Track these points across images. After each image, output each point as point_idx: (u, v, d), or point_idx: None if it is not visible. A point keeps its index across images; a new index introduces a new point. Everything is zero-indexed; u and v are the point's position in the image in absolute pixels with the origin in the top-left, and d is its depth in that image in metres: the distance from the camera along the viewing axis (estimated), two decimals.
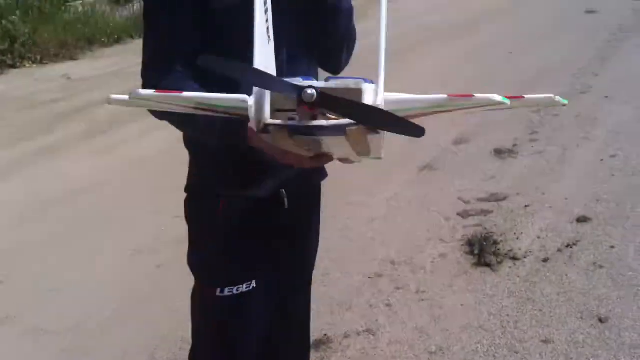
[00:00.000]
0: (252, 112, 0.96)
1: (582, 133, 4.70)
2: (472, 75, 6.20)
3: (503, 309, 2.77)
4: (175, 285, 3.10)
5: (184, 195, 1.70)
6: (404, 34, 7.56)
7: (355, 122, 0.93)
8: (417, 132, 0.88)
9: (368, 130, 0.96)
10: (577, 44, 7.43)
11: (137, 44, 8.61)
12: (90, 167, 4.57)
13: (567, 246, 3.21)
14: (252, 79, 0.93)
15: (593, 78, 6.08)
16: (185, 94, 1.05)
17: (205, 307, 1.71)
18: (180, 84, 1.44)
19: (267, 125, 0.97)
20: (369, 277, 3.06)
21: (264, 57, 1.02)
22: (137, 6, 9.36)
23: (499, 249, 3.19)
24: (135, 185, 4.23)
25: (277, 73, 1.06)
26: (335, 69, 1.70)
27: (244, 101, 1.00)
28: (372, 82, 0.98)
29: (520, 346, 2.54)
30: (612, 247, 3.18)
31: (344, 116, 0.92)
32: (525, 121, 4.97)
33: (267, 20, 1.02)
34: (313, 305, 1.95)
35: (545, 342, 2.55)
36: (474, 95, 0.98)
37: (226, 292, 1.65)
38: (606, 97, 5.50)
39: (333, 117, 0.95)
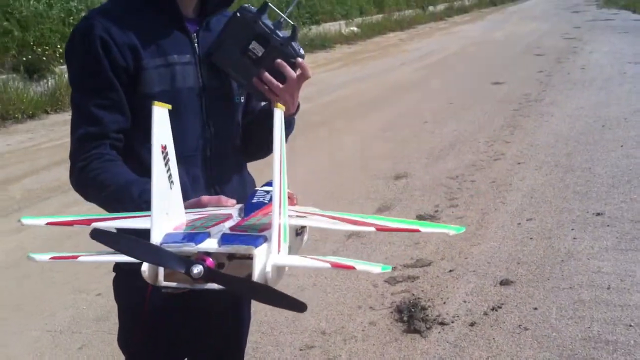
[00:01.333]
0: (145, 276, 0.98)
1: (499, 198, 4.88)
2: (392, 144, 6.37)
3: None
4: None
5: (105, 272, 1.65)
6: (319, 108, 7.74)
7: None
8: (300, 307, 0.91)
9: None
10: (487, 113, 7.79)
11: (52, 119, 8.47)
12: (6, 245, 4.38)
13: (492, 309, 3.28)
14: (139, 255, 0.94)
15: (505, 145, 6.37)
16: (81, 259, 1.08)
17: None
18: (108, 168, 1.43)
19: (162, 287, 1.00)
20: (300, 349, 3.01)
21: (164, 205, 1.04)
22: (51, 82, 9.23)
23: (427, 315, 3.22)
24: (54, 263, 4.06)
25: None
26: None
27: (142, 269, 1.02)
28: (265, 240, 1.00)
29: None
30: (535, 308, 3.26)
31: (229, 290, 0.96)
32: (444, 188, 5.13)
33: (168, 170, 1.06)
34: None
35: None
36: (355, 268, 1.04)
37: None
38: (519, 163, 5.76)
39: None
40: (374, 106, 8.28)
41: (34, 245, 4.30)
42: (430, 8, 23.65)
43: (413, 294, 3.45)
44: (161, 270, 0.99)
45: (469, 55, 13.35)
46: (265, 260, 0.98)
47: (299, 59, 1.51)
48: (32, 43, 9.28)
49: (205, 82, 1.54)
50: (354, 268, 1.03)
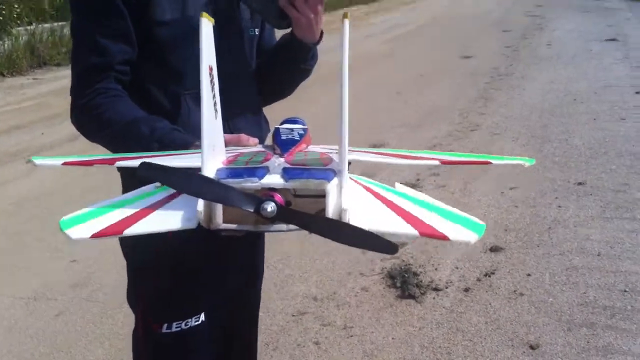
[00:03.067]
0: (200, 217, 0.84)
1: (479, 168, 4.82)
2: (364, 114, 6.25)
3: (434, 341, 2.69)
4: (76, 336, 2.81)
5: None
6: None
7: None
8: (391, 248, 0.79)
9: None
10: (459, 85, 7.74)
11: (9, 83, 8.11)
12: None
13: (485, 275, 3.21)
14: (198, 191, 0.81)
15: (480, 116, 6.32)
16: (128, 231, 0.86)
17: (153, 345, 1.51)
18: (113, 104, 1.29)
19: (220, 230, 0.87)
20: (293, 315, 2.90)
21: (212, 135, 0.90)
22: (7, 44, 8.82)
23: (420, 280, 3.14)
24: (24, 229, 3.86)
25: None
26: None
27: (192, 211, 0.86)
28: (334, 174, 0.86)
29: None
30: (529, 274, 3.21)
31: (306, 229, 0.83)
32: None
33: (214, 96, 0.91)
34: None
35: None
36: (491, 162, 0.92)
37: (174, 328, 1.47)
38: (495, 134, 5.72)
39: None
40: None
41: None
42: None
43: (403, 260, 3.36)
44: (219, 209, 0.85)
45: (435, 29, 13.28)
46: (338, 197, 0.85)
47: None
48: None
49: (218, 12, 1.39)
50: (489, 162, 0.92)
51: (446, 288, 3.10)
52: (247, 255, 1.70)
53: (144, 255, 1.48)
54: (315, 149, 1.18)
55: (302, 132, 1.23)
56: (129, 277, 1.55)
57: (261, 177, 0.85)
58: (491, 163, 1.02)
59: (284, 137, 1.18)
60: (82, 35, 1.34)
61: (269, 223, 0.84)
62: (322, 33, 1.47)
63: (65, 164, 1.04)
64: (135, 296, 1.53)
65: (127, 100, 1.34)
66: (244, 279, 1.71)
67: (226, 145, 1.07)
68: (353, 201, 0.86)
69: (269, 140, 1.33)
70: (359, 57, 9.24)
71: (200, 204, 0.83)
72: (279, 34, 1.60)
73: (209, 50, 0.89)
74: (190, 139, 1.25)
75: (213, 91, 0.91)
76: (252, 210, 0.79)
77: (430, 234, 0.84)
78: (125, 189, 1.46)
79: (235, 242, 1.54)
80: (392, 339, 2.72)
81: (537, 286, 3.10)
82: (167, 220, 0.87)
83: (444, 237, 0.83)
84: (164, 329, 1.46)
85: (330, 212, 0.85)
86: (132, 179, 1.42)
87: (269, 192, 0.83)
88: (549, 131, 5.75)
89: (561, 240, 3.58)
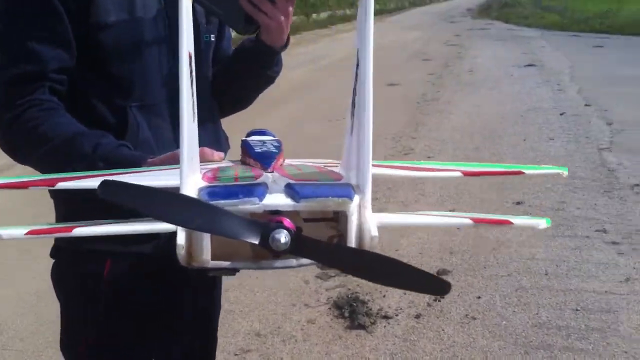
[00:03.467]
0: (181, 254, 0.63)
1: (417, 190, 4.74)
2: (297, 142, 6.11)
3: None
4: None
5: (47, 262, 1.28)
6: None
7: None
8: (444, 288, 0.62)
9: None
10: (389, 111, 7.70)
11: None
12: None
13: (435, 300, 3.08)
14: (180, 217, 0.59)
15: (412, 141, 6.29)
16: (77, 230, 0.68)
17: None
18: (49, 118, 1.09)
19: (206, 269, 0.66)
20: (236, 354, 2.68)
21: (192, 143, 0.69)
22: None
23: (369, 309, 2.98)
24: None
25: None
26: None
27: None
28: (354, 191, 0.68)
29: None
30: (479, 297, 3.10)
31: (330, 266, 0.66)
32: None
33: (192, 94, 0.71)
34: None
35: None
36: (512, 223, 0.79)
37: None
38: (429, 157, 5.68)
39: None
40: (274, 106, 8.01)
41: None
42: (314, 16, 23.70)
43: (349, 289, 3.19)
44: (207, 241, 0.63)
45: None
46: (360, 219, 0.67)
47: None
48: None
49: (171, 14, 1.21)
50: (511, 223, 0.77)
51: (396, 315, 2.95)
52: (204, 303, 1.49)
53: (78, 292, 1.26)
54: (305, 162, 0.99)
55: (276, 143, 1.03)
56: (63, 321, 1.33)
57: (262, 197, 0.65)
58: (524, 173, 0.88)
59: (258, 149, 0.98)
60: (11, 39, 1.13)
61: (274, 258, 0.65)
62: (288, 38, 1.30)
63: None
64: (70, 345, 1.30)
65: (65, 113, 1.14)
66: (199, 333, 1.49)
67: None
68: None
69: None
70: (287, 87, 9.14)
71: (181, 235, 0.62)
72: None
73: (188, 31, 0.69)
74: (141, 155, 1.07)
75: (192, 88, 0.71)
76: (256, 243, 0.60)
77: (489, 221, 0.68)
78: (63, 217, 1.24)
79: (190, 286, 1.35)
80: None
81: (488, 309, 2.99)
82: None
83: (507, 222, 0.71)
84: None
85: (353, 240, 0.66)
86: (70, 205, 1.20)
87: (274, 217, 0.63)
88: (481, 153, 5.76)
89: (507, 260, 3.50)
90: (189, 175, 0.66)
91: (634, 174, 4.89)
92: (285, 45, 1.31)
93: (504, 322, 2.87)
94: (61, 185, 0.79)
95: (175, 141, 1.20)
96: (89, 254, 1.19)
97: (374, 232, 0.65)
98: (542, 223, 0.80)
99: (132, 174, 0.87)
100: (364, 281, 3.17)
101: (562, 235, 3.81)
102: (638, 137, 6.02)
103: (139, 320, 1.27)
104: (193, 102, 0.71)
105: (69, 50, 1.14)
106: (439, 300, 3.07)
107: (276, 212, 0.64)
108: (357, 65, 0.73)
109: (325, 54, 14.21)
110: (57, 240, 1.26)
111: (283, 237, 0.59)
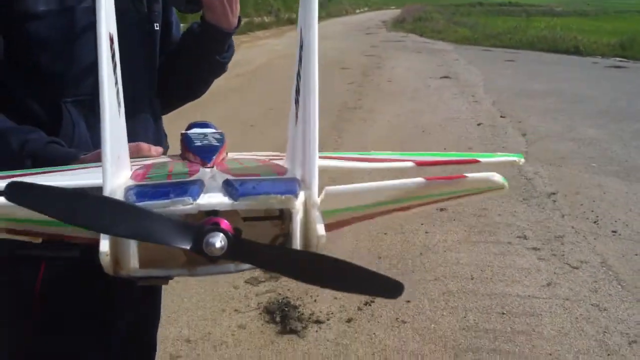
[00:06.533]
0: (106, 261, 0.57)
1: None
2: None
3: None
4: None
5: None
6: None
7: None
8: (396, 289, 0.61)
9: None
10: None
11: None
12: None
13: (365, 304, 3.09)
14: (102, 222, 0.53)
15: (336, 148, 6.31)
16: None
17: None
18: None
19: (137, 279, 0.61)
20: None
21: (117, 139, 0.62)
22: None
23: (301, 314, 2.95)
24: None
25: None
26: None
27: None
28: (299, 185, 0.64)
29: None
30: (408, 301, 3.13)
31: (273, 271, 0.62)
32: None
33: (116, 82, 0.64)
34: None
35: None
36: (479, 161, 0.77)
37: None
38: None
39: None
40: (193, 111, 7.87)
41: None
42: None
43: (279, 294, 3.16)
44: (133, 247, 0.58)
45: (277, 67, 13.33)
46: (306, 217, 0.63)
47: None
48: None
49: None
50: (478, 161, 0.75)
51: (328, 320, 2.93)
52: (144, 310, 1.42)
53: (9, 300, 1.18)
54: (249, 156, 0.95)
55: (218, 136, 0.99)
56: None
57: (196, 196, 0.59)
58: (479, 161, 0.86)
59: (198, 143, 0.93)
60: None
61: (210, 263, 0.59)
62: (239, 19, 1.26)
63: None
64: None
65: None
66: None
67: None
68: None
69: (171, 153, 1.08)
70: (208, 93, 9.02)
71: (104, 242, 0.56)
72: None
73: (108, 11, 0.62)
74: (74, 152, 1.01)
75: (115, 74, 0.64)
76: (188, 248, 0.54)
77: (442, 178, 0.66)
78: None
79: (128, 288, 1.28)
80: None
81: (418, 313, 3.02)
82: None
83: (461, 177, 0.69)
84: None
85: (298, 240, 0.62)
86: None
87: (210, 218, 0.57)
88: None
89: (434, 265, 3.56)
90: (114, 174, 0.60)
91: (550, 183, 5.09)
92: (236, 28, 1.27)
93: (433, 326, 2.90)
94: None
95: None
96: (19, 255, 1.11)
97: (321, 232, 0.62)
98: (496, 175, 0.79)
99: (54, 173, 0.80)
100: (294, 286, 3.15)
101: (486, 241, 3.91)
102: (551, 147, 6.28)
103: (71, 333, 1.20)
104: (117, 91, 0.65)
105: None
106: (369, 305, 3.08)
107: (214, 213, 0.59)
108: (301, 47, 0.69)
109: (244, 60, 14.13)
110: None
111: (218, 241, 0.54)
